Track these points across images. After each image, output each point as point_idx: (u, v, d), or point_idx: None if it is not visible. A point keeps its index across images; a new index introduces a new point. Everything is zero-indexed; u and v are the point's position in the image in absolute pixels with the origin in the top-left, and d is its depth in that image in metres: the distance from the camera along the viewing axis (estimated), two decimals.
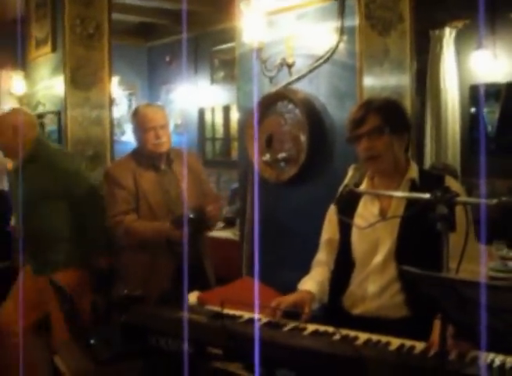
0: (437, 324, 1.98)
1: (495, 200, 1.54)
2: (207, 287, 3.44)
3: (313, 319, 2.26)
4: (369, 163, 2.32)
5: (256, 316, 2.21)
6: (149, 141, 3.42)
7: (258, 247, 3.32)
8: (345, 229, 2.42)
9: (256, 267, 2.54)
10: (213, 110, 8.56)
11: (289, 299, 2.31)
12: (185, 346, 1.95)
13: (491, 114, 5.96)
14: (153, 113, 3.48)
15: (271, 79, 3.92)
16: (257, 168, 3.94)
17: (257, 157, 3.94)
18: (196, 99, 8.69)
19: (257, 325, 2.08)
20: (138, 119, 3.49)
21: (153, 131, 3.41)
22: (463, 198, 1.70)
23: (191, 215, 3.26)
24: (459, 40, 6.08)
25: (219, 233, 5.77)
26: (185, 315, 2.09)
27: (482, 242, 2.38)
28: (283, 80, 3.88)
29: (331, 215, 2.52)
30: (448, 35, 6.07)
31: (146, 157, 3.50)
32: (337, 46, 3.64)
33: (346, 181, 2.22)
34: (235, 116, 7.28)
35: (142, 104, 3.80)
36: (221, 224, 6.07)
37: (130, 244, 3.52)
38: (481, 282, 1.29)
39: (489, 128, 5.95)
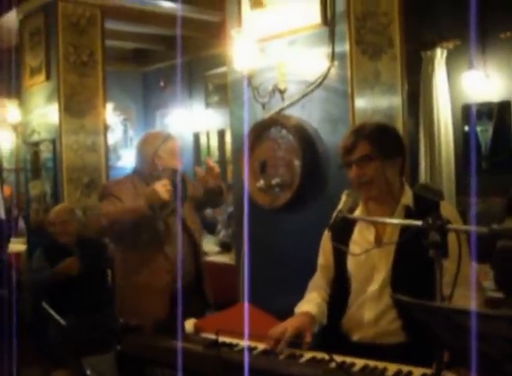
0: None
1: (486, 229, 1.54)
2: (205, 306, 3.57)
3: (313, 338, 2.24)
4: (360, 189, 2.32)
5: (250, 344, 2.21)
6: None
7: (254, 273, 3.32)
8: (340, 255, 2.41)
9: (246, 293, 2.53)
10: (208, 134, 8.60)
11: (290, 326, 2.23)
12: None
13: (484, 133, 6.00)
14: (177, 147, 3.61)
15: (263, 105, 3.93)
16: (247, 193, 3.95)
17: (248, 183, 3.95)
18: (190, 124, 8.73)
19: (246, 354, 2.07)
20: (169, 146, 3.55)
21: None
22: (454, 225, 1.70)
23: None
24: (451, 60, 6.14)
25: (215, 257, 5.76)
26: (179, 344, 2.08)
27: (475, 261, 2.37)
28: (276, 106, 3.90)
29: (325, 241, 2.52)
30: (440, 56, 6.13)
31: (146, 178, 3.53)
32: (328, 71, 3.66)
33: (339, 206, 2.21)
34: (230, 139, 7.31)
35: (170, 133, 3.85)
36: (217, 248, 6.08)
37: (122, 252, 3.57)
38: (472, 310, 1.30)
39: (483, 147, 5.99)
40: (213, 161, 3.66)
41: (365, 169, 2.27)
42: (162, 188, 3.27)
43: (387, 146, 2.30)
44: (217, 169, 3.47)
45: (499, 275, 3.63)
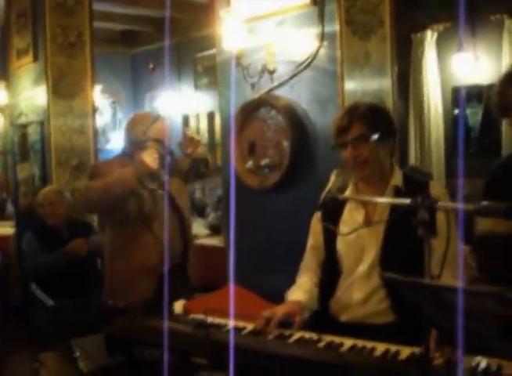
0: None
1: (473, 206, 1.54)
2: (188, 287, 3.52)
3: (304, 324, 2.25)
4: (355, 169, 2.32)
5: (239, 324, 2.21)
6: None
7: (243, 255, 3.31)
8: (330, 236, 2.41)
9: (231, 273, 2.53)
10: (197, 117, 8.55)
11: (279, 312, 2.24)
12: (165, 356, 1.93)
13: (474, 116, 5.99)
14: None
15: (252, 86, 3.91)
16: (234, 173, 3.96)
17: (235, 164, 3.95)
18: (180, 106, 8.67)
19: (232, 333, 2.07)
20: (159, 127, 3.47)
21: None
22: (442, 203, 1.70)
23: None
24: (441, 42, 6.11)
25: (205, 240, 5.76)
26: (167, 324, 2.08)
27: (464, 242, 2.37)
28: (265, 86, 3.88)
29: (315, 222, 2.51)
30: (430, 38, 6.10)
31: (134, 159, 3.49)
32: (317, 52, 3.64)
33: (328, 187, 2.21)
34: (219, 122, 7.28)
35: (160, 113, 3.81)
36: (206, 231, 6.08)
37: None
38: (459, 287, 1.29)
39: (472, 130, 5.98)
40: (196, 135, 3.76)
41: (360, 149, 2.28)
42: (149, 157, 3.24)
43: (381, 127, 2.30)
44: (197, 137, 3.60)
45: (481, 261, 3.63)
